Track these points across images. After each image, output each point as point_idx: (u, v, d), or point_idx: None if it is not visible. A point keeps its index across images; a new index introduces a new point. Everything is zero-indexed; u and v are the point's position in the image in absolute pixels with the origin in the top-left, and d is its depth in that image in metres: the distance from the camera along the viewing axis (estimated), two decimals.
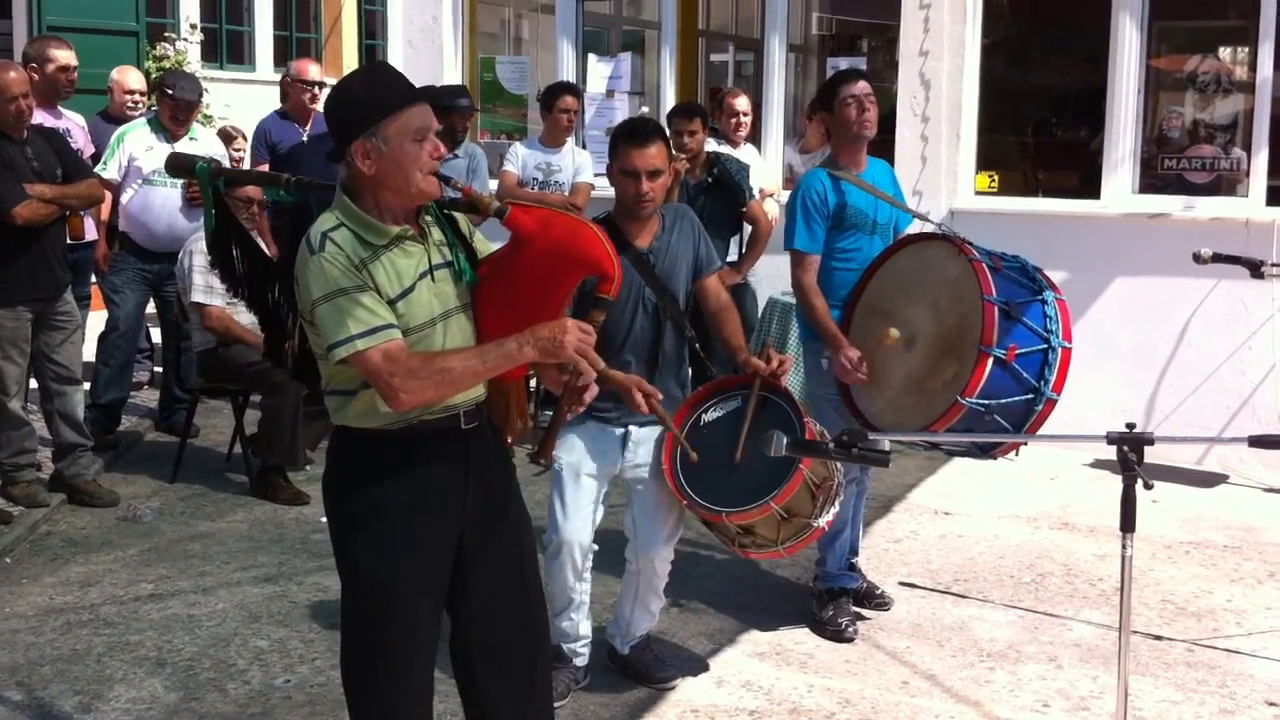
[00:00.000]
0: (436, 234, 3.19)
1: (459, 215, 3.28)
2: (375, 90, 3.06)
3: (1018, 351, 4.53)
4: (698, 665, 4.80)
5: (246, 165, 7.99)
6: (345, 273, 2.98)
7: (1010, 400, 4.57)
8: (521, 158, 8.05)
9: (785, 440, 3.38)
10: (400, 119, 3.01)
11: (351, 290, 2.97)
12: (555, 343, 3.00)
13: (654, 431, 4.42)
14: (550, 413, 3.99)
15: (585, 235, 3.13)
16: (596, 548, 4.49)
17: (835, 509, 4.37)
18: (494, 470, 3.32)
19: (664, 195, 4.33)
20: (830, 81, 5.20)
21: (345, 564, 3.23)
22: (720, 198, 7.09)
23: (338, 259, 2.98)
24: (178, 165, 3.64)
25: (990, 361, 4.48)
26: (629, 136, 4.33)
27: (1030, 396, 4.59)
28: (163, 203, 7.41)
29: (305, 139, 8.30)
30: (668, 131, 7.27)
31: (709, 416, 4.41)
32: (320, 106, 8.44)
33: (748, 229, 7.43)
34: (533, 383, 4.56)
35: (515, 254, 3.18)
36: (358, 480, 3.17)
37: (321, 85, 8.44)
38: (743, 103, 8.04)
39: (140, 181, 7.42)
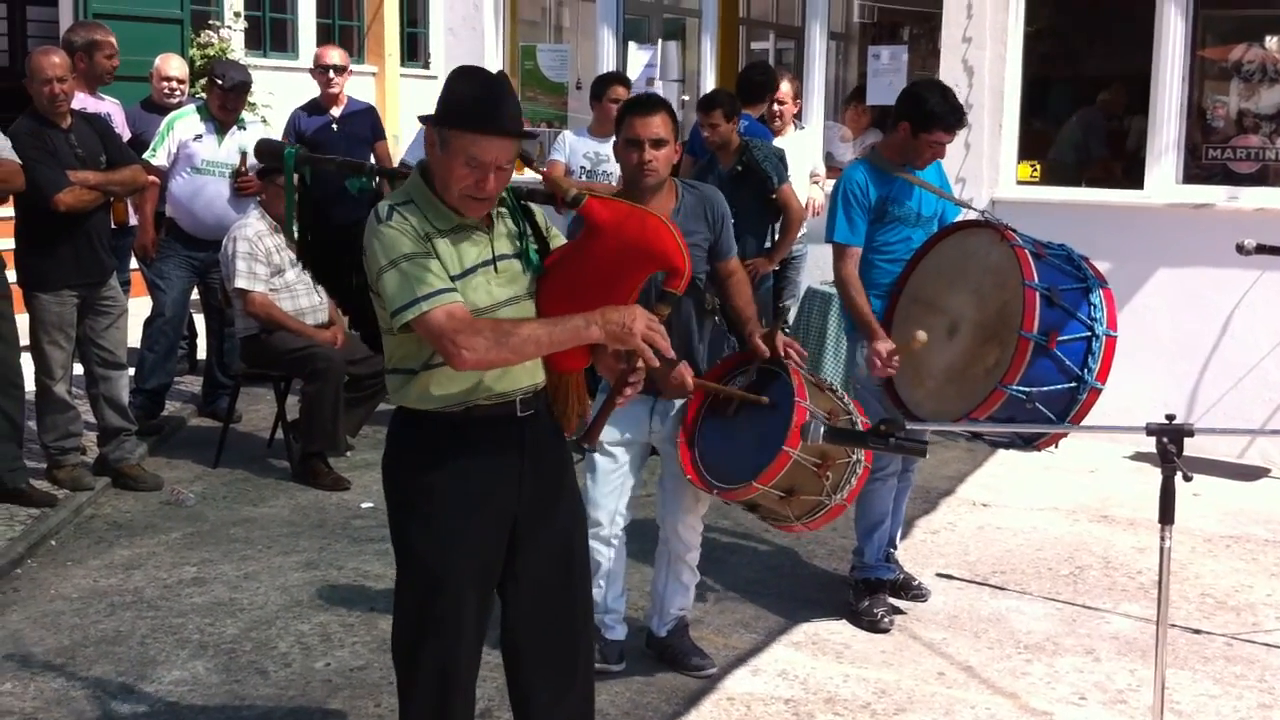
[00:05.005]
0: (509, 224, 3.21)
1: (535, 208, 3.30)
2: (470, 95, 3.04)
3: (1060, 338, 4.49)
4: (734, 654, 4.81)
5: None
6: (410, 240, 3.02)
7: (1052, 388, 4.52)
8: (570, 145, 8.02)
9: (823, 429, 3.38)
10: (467, 138, 3.00)
11: (416, 256, 3.00)
12: (625, 328, 2.98)
13: (680, 401, 4.43)
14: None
15: (659, 229, 3.11)
16: (629, 517, 4.51)
17: (853, 485, 4.32)
18: (549, 459, 3.33)
19: (669, 168, 4.33)
20: (930, 108, 4.87)
21: (399, 544, 3.28)
22: (750, 186, 7.05)
23: (404, 228, 3.02)
24: (266, 151, 3.68)
25: (1031, 347, 4.44)
26: (632, 107, 4.35)
27: (1073, 385, 4.54)
28: (212, 190, 7.47)
29: (334, 125, 8.27)
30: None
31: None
32: (342, 90, 8.36)
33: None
34: None
35: (586, 244, 3.18)
36: (413, 464, 3.21)
37: (342, 70, 8.28)
38: (784, 89, 7.94)
39: (190, 170, 7.47)
